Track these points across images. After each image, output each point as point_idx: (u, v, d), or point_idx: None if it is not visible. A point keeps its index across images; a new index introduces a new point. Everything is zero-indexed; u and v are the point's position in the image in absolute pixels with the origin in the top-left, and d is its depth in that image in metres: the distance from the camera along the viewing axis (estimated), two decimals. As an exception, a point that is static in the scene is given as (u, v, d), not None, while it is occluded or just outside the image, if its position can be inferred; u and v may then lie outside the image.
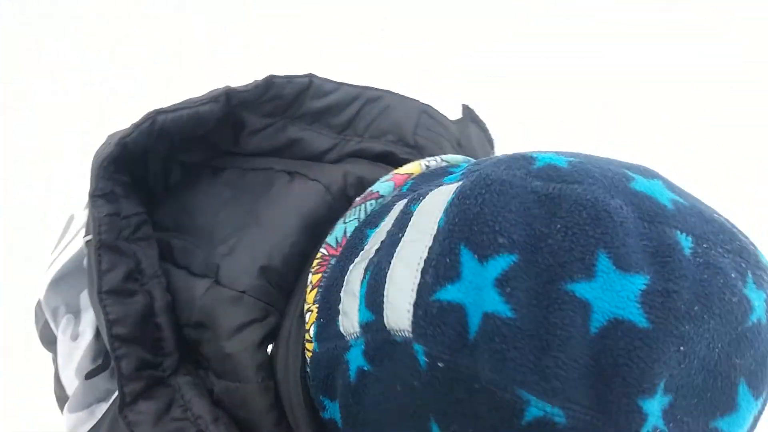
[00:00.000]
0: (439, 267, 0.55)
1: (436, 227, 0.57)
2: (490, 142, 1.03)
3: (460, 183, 0.58)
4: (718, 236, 0.53)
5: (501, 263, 0.52)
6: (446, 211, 0.57)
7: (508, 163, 0.58)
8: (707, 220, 0.54)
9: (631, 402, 0.49)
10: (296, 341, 0.69)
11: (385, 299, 0.58)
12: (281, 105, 0.81)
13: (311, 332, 0.66)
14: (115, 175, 0.74)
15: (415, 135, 0.87)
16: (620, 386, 0.49)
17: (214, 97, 0.76)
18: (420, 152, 0.86)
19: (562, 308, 0.50)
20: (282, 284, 0.73)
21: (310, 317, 0.67)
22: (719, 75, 2.66)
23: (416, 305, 0.55)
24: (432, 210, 0.58)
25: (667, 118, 2.56)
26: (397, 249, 0.59)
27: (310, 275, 0.70)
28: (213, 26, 3.05)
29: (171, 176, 0.81)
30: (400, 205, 0.64)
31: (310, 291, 0.68)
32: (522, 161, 0.57)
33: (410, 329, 0.55)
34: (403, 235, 0.59)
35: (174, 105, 0.76)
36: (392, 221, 0.63)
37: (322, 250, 0.71)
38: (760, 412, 0.56)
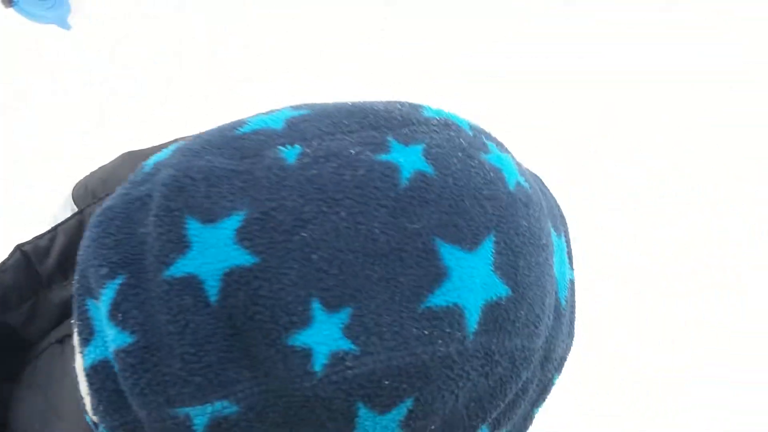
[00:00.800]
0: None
1: None
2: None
3: None
4: (339, 126, 0.50)
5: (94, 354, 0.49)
6: None
7: None
8: (329, 115, 0.51)
9: (281, 345, 0.44)
10: None
11: None
12: (23, 290, 0.75)
13: None
14: None
15: None
16: (264, 337, 0.45)
17: None
18: None
19: (168, 298, 0.46)
20: None
21: None
22: (719, 75, 2.66)
23: None
24: None
25: (667, 118, 2.56)
26: None
27: None
28: (213, 26, 3.05)
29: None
30: None
31: None
32: None
33: None
34: None
35: None
36: None
37: None
38: (496, 253, 0.48)
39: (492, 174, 0.51)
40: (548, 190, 0.62)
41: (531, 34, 2.88)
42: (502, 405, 0.51)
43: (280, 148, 0.48)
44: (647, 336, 2.34)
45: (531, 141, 2.44)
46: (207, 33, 3.02)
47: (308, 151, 0.48)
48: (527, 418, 0.56)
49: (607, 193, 2.32)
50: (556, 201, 0.61)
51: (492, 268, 0.48)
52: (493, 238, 0.48)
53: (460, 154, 0.50)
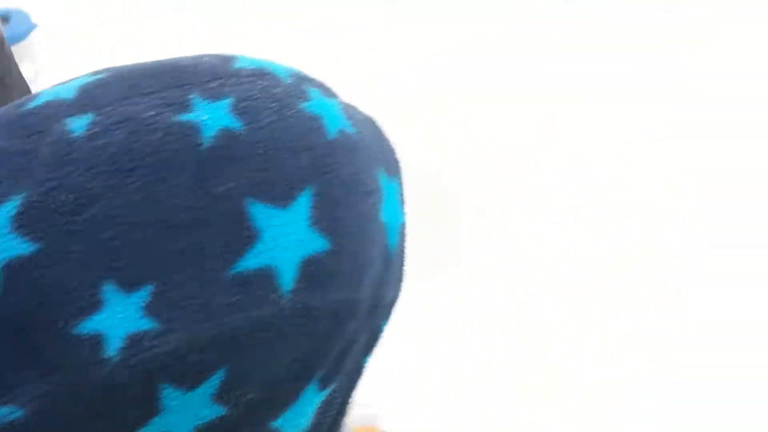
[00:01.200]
0: None
1: None
2: None
3: None
4: (137, 88, 0.46)
5: None
6: None
7: None
8: (128, 76, 0.47)
9: (68, 336, 0.41)
10: None
11: None
12: None
13: None
14: None
15: None
16: (48, 331, 0.41)
17: None
18: None
19: None
20: None
21: None
22: (659, 89, 2.62)
23: None
24: None
25: (607, 131, 2.53)
26: None
27: None
28: (213, 26, 3.12)
29: None
30: None
31: None
32: None
33: None
34: None
35: None
36: None
37: None
38: (313, 206, 0.46)
39: (310, 122, 0.48)
40: (383, 133, 0.58)
41: (471, 47, 2.87)
42: (330, 360, 0.49)
43: (69, 119, 0.44)
44: (587, 349, 2.32)
45: (470, 153, 2.45)
46: (207, 33, 3.09)
47: (99, 119, 0.44)
48: (359, 369, 0.55)
49: (547, 206, 2.33)
50: (390, 145, 0.57)
51: (309, 223, 0.46)
52: (312, 191, 0.46)
53: (274, 104, 0.47)
